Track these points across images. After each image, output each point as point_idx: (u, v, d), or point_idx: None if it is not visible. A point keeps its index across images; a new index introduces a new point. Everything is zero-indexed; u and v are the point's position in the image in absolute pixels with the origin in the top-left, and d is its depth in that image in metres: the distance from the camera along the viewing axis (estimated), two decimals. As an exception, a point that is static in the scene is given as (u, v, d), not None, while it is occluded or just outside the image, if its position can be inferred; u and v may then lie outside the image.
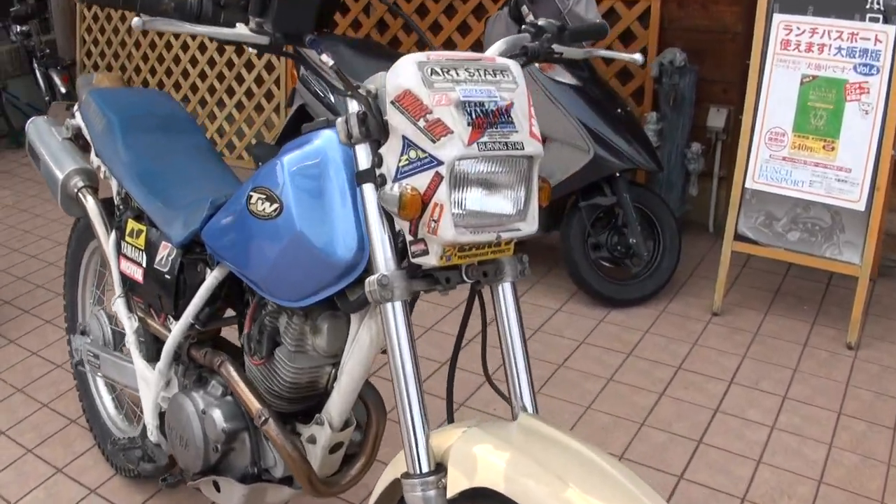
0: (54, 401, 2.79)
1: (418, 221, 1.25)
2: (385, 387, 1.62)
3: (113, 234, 2.08)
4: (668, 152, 3.72)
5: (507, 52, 1.55)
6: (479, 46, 4.08)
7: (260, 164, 1.83)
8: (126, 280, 2.03)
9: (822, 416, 2.58)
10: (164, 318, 1.96)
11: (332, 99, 3.08)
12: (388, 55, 3.47)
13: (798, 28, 2.88)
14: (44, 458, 2.49)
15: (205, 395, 1.78)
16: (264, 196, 1.47)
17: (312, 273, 1.42)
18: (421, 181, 1.22)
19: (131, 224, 1.99)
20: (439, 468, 1.27)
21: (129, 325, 2.04)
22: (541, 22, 1.61)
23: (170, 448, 1.91)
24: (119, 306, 2.07)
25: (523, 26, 1.61)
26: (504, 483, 1.16)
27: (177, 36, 5.35)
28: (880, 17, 2.73)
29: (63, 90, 5.54)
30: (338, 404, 1.56)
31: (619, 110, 3.27)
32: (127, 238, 2.00)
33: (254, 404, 1.65)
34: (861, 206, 2.84)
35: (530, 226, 1.33)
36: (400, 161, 1.25)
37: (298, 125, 2.00)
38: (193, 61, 5.35)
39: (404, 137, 1.24)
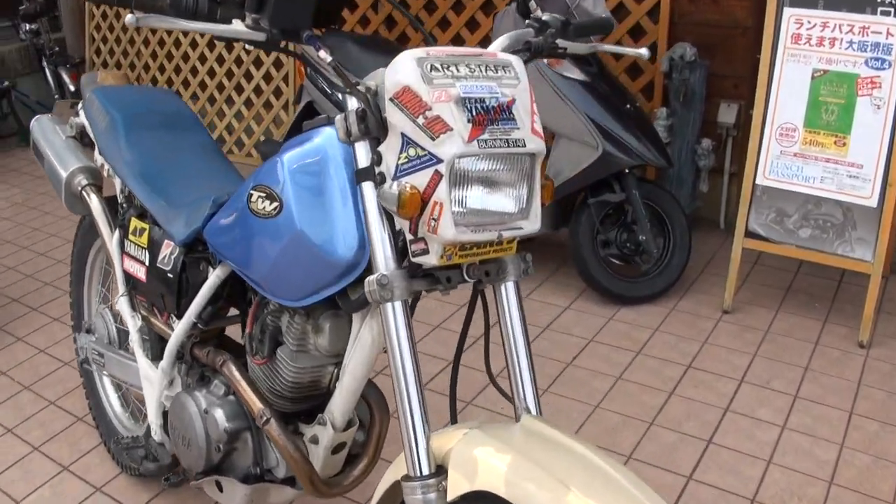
0: (61, 398, 2.79)
1: (418, 220, 1.23)
2: (388, 386, 1.60)
3: (116, 233, 2.07)
4: (678, 148, 3.69)
5: (510, 48, 1.52)
6: (487, 42, 4.04)
7: (266, 161, 1.82)
8: (129, 278, 2.02)
9: (834, 416, 2.55)
10: (167, 317, 1.95)
11: (340, 96, 3.06)
12: (396, 51, 3.44)
13: (809, 22, 2.84)
14: (50, 456, 2.49)
15: (207, 395, 1.78)
16: (264, 194, 1.45)
17: (313, 272, 1.41)
18: (420, 179, 1.20)
19: (134, 222, 1.98)
20: (440, 470, 1.26)
21: (132, 323, 2.04)
22: (545, 17, 1.58)
23: (173, 447, 1.91)
24: (123, 305, 2.06)
25: (527, 21, 1.59)
26: (505, 487, 1.14)
27: (185, 33, 5.35)
28: (892, 10, 2.69)
29: (72, 88, 5.56)
30: (340, 404, 1.55)
31: (628, 106, 3.24)
32: (130, 236, 2.00)
33: (255, 404, 1.64)
34: (873, 203, 2.81)
35: (533, 224, 1.30)
36: (399, 159, 1.23)
37: (307, 122, 1.99)
38: (202, 58, 5.35)
39: (403, 135, 1.22)
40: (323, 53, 1.31)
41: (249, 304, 1.72)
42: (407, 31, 4.58)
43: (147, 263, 1.91)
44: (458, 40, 4.35)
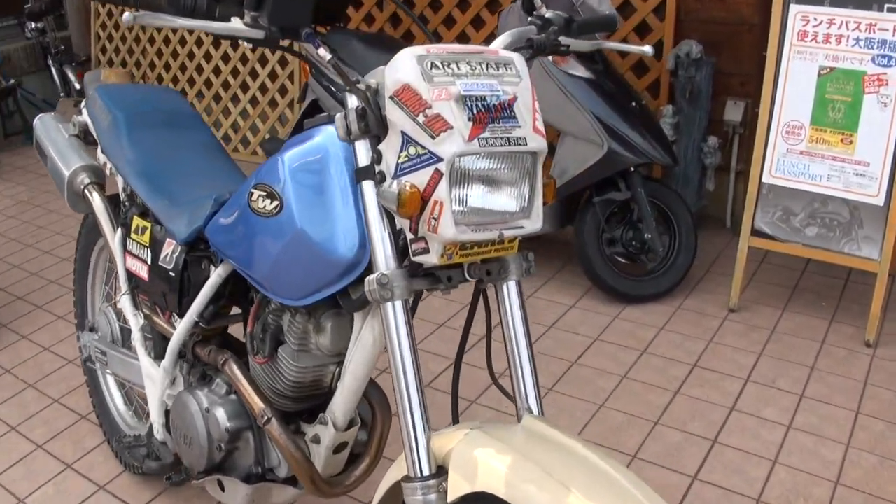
0: (65, 396, 2.79)
1: (418, 219, 1.22)
2: (391, 385, 1.59)
3: (119, 231, 2.07)
4: (684, 146, 3.67)
5: (513, 45, 1.51)
6: (492, 40, 4.03)
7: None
8: (132, 277, 2.02)
9: (840, 416, 2.53)
10: (169, 316, 1.95)
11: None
12: (401, 49, 3.44)
13: (815, 19, 2.82)
14: (53, 454, 2.49)
15: (209, 394, 1.77)
16: (265, 193, 1.45)
17: (314, 271, 1.40)
18: (420, 178, 1.19)
19: (136, 221, 1.98)
20: (440, 471, 1.25)
21: (134, 322, 2.04)
22: (548, 14, 1.57)
23: (175, 446, 1.90)
24: (125, 303, 2.06)
25: (529, 18, 1.58)
26: (505, 488, 1.13)
27: (190, 31, 5.35)
28: (900, 7, 2.67)
29: (78, 86, 5.56)
30: (342, 404, 1.54)
31: (633, 104, 3.23)
32: (132, 235, 1.99)
33: (257, 403, 1.64)
34: (880, 201, 2.79)
35: (534, 223, 1.29)
36: (399, 157, 1.22)
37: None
38: (208, 56, 5.34)
39: (403, 133, 1.21)
40: (322, 51, 1.30)
41: (251, 302, 1.71)
42: (412, 29, 4.56)
43: (149, 262, 1.91)
44: (463, 38, 4.33)
